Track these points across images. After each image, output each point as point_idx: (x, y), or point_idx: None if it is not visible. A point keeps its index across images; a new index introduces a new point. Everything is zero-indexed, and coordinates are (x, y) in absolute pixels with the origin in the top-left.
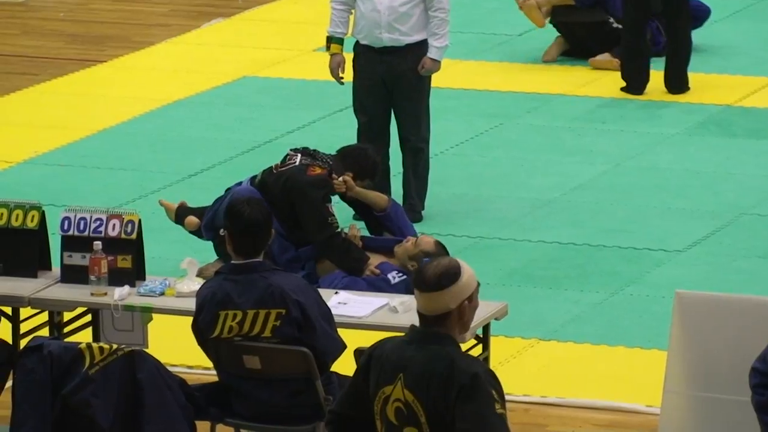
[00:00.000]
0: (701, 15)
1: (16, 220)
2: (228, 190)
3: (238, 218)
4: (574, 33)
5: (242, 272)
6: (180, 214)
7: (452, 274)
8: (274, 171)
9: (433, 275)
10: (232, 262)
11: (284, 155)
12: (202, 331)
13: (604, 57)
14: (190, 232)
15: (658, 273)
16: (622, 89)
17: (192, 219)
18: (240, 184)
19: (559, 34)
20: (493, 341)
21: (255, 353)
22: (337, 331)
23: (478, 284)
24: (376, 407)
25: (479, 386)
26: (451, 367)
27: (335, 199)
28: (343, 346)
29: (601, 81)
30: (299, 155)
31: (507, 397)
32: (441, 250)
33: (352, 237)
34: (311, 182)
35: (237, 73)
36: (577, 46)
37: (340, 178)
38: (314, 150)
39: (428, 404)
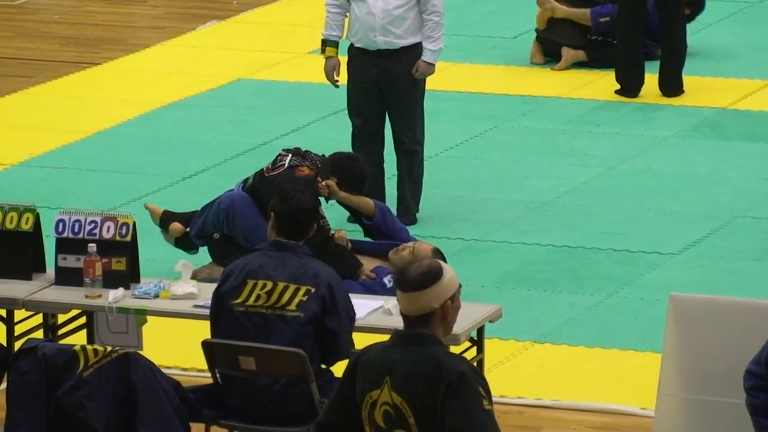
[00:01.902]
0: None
1: (11, 222)
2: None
3: (287, 201)
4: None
5: (281, 249)
6: (165, 219)
7: (434, 273)
8: (266, 174)
9: (415, 275)
10: (274, 239)
11: (275, 156)
12: (225, 295)
13: (578, 52)
14: (175, 239)
15: (652, 276)
16: (617, 92)
17: (177, 225)
18: (232, 191)
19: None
20: (488, 344)
21: (250, 354)
22: (352, 338)
23: (460, 285)
24: (364, 413)
25: (466, 383)
26: (438, 367)
27: (331, 202)
28: (350, 355)
29: (596, 84)
30: (290, 156)
31: (501, 400)
32: (438, 257)
33: (339, 239)
34: (300, 183)
35: (231, 76)
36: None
37: (324, 183)
38: (306, 151)
39: (416, 405)
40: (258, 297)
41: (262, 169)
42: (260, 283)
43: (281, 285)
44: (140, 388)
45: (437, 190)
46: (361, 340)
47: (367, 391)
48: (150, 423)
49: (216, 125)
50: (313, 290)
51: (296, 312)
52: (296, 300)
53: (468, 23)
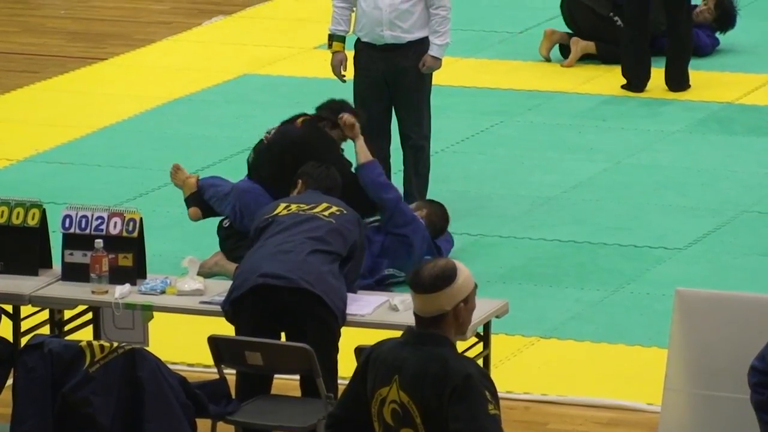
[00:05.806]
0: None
1: (17, 218)
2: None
3: (319, 166)
4: (578, 22)
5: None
6: (189, 199)
7: (448, 276)
8: (264, 141)
9: (428, 277)
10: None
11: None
12: (261, 224)
13: (588, 43)
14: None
15: (658, 271)
16: (623, 87)
17: (196, 211)
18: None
19: (547, 29)
20: (494, 339)
21: (257, 349)
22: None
23: (476, 286)
24: (374, 409)
25: (472, 387)
26: (445, 368)
27: None
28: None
29: (602, 78)
30: (273, 129)
31: (507, 395)
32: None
33: (347, 120)
34: (304, 131)
35: (238, 71)
36: (576, 34)
37: (344, 117)
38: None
39: (423, 405)
40: (291, 209)
41: (255, 146)
42: (294, 205)
43: (314, 203)
44: (146, 384)
45: (443, 185)
46: (366, 336)
47: (377, 388)
48: (156, 419)
49: (222, 120)
50: (344, 211)
51: (329, 218)
52: (329, 212)
53: (475, 18)
